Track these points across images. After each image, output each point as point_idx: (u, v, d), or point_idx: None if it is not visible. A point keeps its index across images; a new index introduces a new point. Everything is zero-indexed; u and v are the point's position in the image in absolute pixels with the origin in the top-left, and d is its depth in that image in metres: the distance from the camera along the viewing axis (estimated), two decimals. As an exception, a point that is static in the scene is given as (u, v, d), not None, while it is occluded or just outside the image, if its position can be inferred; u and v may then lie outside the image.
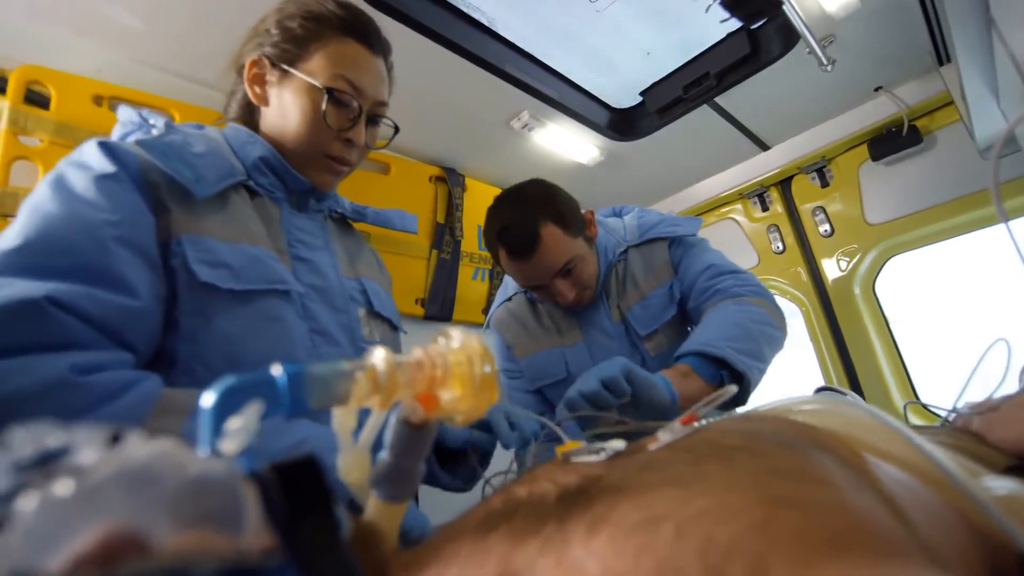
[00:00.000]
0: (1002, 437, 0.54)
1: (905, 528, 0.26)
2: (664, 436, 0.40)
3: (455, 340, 0.31)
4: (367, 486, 0.32)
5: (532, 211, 1.02)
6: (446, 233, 1.89)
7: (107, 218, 0.56)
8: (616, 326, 1.15)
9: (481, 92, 1.55)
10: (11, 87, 1.04)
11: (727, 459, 0.31)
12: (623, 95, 1.89)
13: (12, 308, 0.46)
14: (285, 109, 0.75)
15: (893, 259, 1.88)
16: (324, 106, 0.72)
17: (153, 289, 0.58)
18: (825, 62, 1.46)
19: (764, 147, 2.02)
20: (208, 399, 0.24)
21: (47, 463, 0.16)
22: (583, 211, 1.12)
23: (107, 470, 0.17)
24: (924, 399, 1.76)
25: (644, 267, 1.17)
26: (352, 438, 0.31)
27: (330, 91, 0.72)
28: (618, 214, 1.34)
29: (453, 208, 1.90)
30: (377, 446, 0.32)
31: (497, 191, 2.06)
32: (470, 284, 1.96)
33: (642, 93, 1.84)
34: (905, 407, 1.07)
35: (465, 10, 1.45)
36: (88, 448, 0.18)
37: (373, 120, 0.80)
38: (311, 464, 0.22)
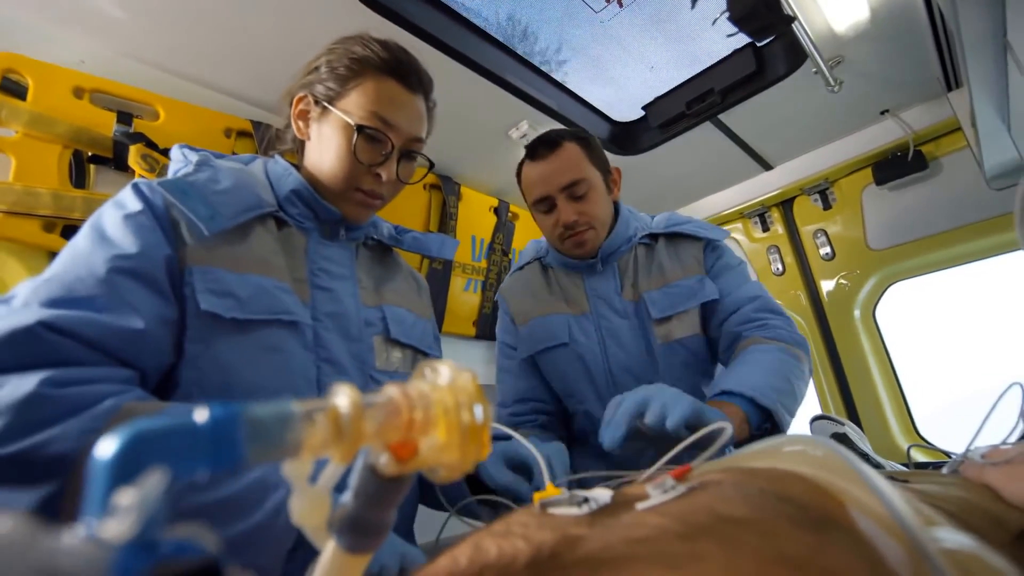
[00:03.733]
0: (1021, 494, 0.50)
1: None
2: (655, 493, 0.35)
3: (443, 376, 0.27)
4: (326, 530, 0.27)
5: (562, 131, 1.14)
6: (439, 242, 1.85)
7: (120, 252, 0.60)
8: (627, 305, 1.15)
9: (480, 100, 1.51)
10: (-14, 75, 1.00)
11: (728, 538, 0.26)
12: (625, 108, 1.86)
13: (7, 335, 0.49)
14: (323, 144, 0.80)
15: (895, 285, 1.85)
16: (355, 142, 0.76)
17: (158, 314, 0.61)
18: (832, 83, 1.43)
19: (767, 166, 1.99)
20: (105, 449, 0.18)
21: None
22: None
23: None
24: (924, 431, 1.72)
25: (673, 259, 1.17)
26: (307, 481, 0.26)
27: (361, 128, 0.76)
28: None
29: (447, 217, 1.85)
30: (341, 484, 0.27)
31: (493, 201, 2.03)
32: (461, 296, 1.92)
33: (644, 107, 1.81)
34: (909, 449, 1.03)
35: (466, 16, 1.41)
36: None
37: (409, 155, 0.84)
38: (213, 574, 0.16)
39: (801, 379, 0.97)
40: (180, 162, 0.80)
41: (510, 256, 2.09)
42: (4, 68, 1.02)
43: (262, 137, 1.36)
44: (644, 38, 1.62)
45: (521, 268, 1.32)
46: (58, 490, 0.44)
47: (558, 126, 1.67)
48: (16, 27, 1.04)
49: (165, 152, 1.18)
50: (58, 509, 0.44)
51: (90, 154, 1.12)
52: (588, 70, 1.70)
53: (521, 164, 1.17)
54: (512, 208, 2.10)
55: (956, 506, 0.50)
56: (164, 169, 1.16)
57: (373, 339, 0.82)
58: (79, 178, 1.11)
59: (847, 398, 1.83)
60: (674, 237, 1.20)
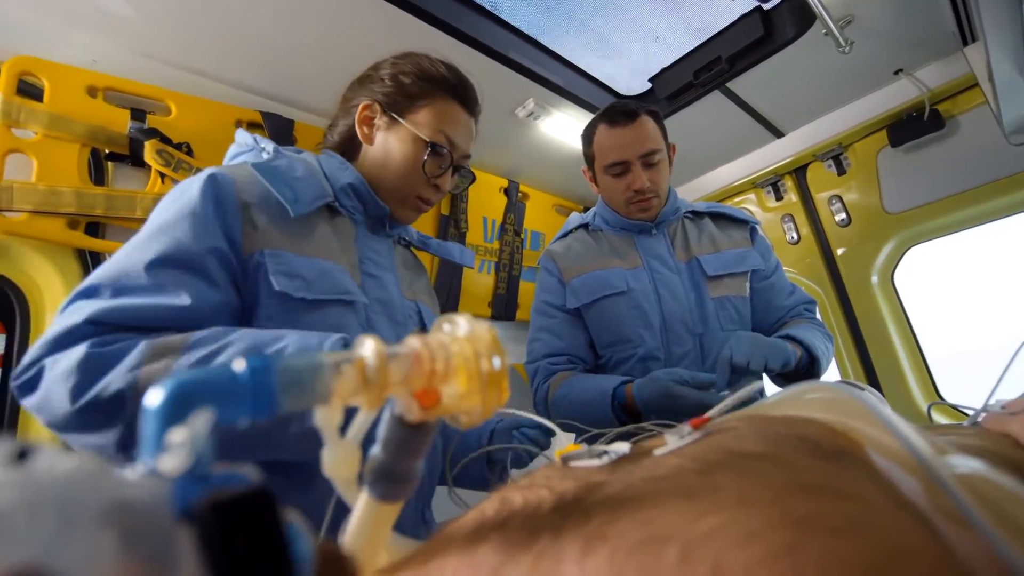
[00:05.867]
0: (1042, 440, 0.50)
1: (944, 552, 0.22)
2: (672, 440, 0.36)
3: (461, 328, 0.28)
4: (356, 482, 0.28)
5: (637, 104, 1.23)
6: (451, 225, 1.86)
7: (166, 248, 0.65)
8: (679, 264, 1.27)
9: (485, 80, 1.48)
10: (3, 79, 1.02)
11: (744, 470, 0.27)
12: (632, 81, 1.84)
13: (63, 332, 0.58)
14: (389, 152, 0.87)
15: (914, 248, 1.82)
16: (425, 156, 0.85)
17: (205, 297, 0.65)
18: (843, 44, 1.40)
19: (778, 134, 1.96)
20: (154, 398, 0.20)
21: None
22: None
23: (6, 495, 0.14)
24: (947, 395, 1.71)
25: (721, 233, 1.32)
26: (338, 432, 0.28)
27: (432, 145, 0.85)
28: None
29: (458, 199, 1.86)
30: (370, 438, 0.29)
31: (503, 182, 2.03)
32: (475, 277, 1.93)
33: (651, 79, 1.79)
34: (929, 408, 1.03)
35: (467, -5, 1.40)
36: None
37: (456, 169, 0.93)
38: (262, 499, 0.18)
39: (831, 352, 1.23)
40: (248, 146, 0.87)
41: (522, 236, 2.10)
42: (20, 71, 1.04)
43: (272, 127, 1.37)
44: (648, 7, 1.60)
45: (565, 235, 1.40)
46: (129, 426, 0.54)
47: (564, 102, 1.67)
48: (28, 30, 1.06)
49: (179, 146, 1.21)
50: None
51: (107, 152, 1.15)
52: (592, 43, 1.68)
53: (594, 128, 1.27)
54: (522, 188, 2.10)
55: (975, 453, 0.50)
56: (179, 163, 1.18)
57: (414, 329, 0.88)
58: (98, 175, 1.14)
59: (867, 364, 1.82)
60: (718, 217, 1.36)
